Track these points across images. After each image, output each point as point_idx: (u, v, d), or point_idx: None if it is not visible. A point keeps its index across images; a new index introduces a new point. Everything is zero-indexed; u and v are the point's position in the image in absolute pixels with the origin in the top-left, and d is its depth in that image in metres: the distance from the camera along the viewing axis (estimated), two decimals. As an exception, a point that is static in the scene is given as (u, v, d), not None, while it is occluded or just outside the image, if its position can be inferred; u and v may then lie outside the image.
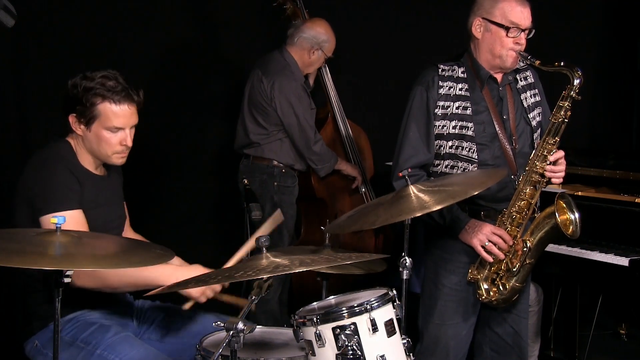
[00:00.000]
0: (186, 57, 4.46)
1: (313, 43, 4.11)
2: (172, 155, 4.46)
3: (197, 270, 2.63)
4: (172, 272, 2.58)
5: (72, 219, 2.49)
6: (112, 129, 2.61)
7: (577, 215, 2.90)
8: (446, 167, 2.98)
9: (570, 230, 2.90)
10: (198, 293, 2.64)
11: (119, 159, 2.69)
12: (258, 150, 4.08)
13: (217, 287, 2.67)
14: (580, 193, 3.86)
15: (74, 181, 2.59)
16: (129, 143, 2.66)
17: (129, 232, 2.99)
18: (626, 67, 5.51)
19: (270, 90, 3.99)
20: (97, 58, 3.94)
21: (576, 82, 2.81)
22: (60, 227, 2.12)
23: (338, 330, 2.34)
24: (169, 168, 4.46)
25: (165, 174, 4.45)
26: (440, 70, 3.00)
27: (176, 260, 2.78)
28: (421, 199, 2.58)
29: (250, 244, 2.81)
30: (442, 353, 3.04)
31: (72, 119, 2.63)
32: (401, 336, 2.47)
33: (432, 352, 3.05)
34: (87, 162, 2.69)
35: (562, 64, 2.82)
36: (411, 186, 2.64)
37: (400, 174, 2.70)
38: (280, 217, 2.96)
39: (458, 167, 2.96)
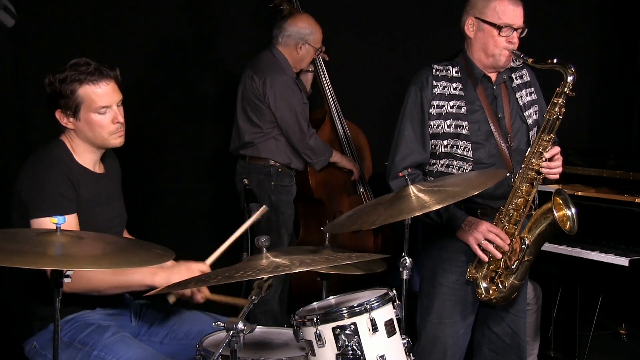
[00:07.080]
0: (182, 59, 4.46)
1: (298, 39, 4.12)
2: (171, 155, 4.46)
3: (181, 269, 2.65)
4: (155, 270, 2.59)
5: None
6: (100, 110, 2.60)
7: (573, 210, 2.91)
8: (442, 166, 2.98)
9: (568, 226, 2.90)
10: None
11: (117, 139, 2.67)
12: (254, 150, 4.08)
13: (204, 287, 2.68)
14: (580, 193, 3.86)
15: (67, 186, 2.57)
16: (121, 119, 2.65)
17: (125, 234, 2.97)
18: (626, 67, 5.50)
19: (262, 87, 4.00)
20: (96, 58, 3.93)
21: (569, 78, 2.81)
22: (60, 227, 2.12)
23: (338, 330, 2.34)
24: (168, 169, 4.46)
25: (164, 174, 4.45)
26: (434, 70, 3.01)
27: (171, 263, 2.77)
28: (421, 198, 2.58)
29: (233, 238, 2.82)
30: (439, 352, 3.04)
31: (58, 114, 2.63)
32: (401, 336, 2.47)
33: (430, 350, 3.05)
34: (85, 159, 2.67)
35: (555, 61, 2.82)
36: (411, 186, 2.64)
37: (400, 174, 2.70)
38: (265, 209, 2.95)
39: (453, 166, 2.96)
